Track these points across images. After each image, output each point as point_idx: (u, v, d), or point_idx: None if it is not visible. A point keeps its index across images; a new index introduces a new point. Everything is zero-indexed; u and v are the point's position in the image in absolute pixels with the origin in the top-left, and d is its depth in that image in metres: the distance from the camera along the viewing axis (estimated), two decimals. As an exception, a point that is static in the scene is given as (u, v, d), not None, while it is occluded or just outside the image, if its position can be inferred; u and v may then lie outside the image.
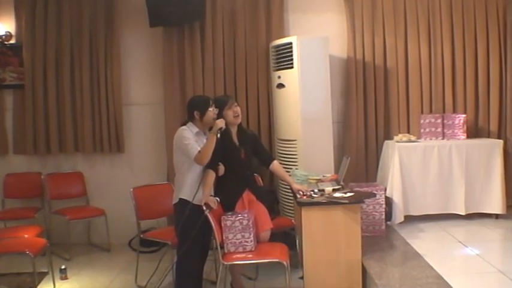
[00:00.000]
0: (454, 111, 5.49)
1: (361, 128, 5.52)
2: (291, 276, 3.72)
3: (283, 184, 5.05)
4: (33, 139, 5.65)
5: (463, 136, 5.22)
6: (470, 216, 5.07)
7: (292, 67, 4.94)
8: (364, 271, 3.82)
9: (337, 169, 4.87)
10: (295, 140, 4.99)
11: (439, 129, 5.31)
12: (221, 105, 3.97)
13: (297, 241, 4.35)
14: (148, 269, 4.46)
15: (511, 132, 5.41)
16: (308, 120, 4.93)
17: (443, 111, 5.49)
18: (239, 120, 4.06)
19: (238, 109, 4.03)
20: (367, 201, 4.37)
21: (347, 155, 4.72)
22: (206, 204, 3.71)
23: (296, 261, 4.27)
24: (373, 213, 4.62)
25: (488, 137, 5.44)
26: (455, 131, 5.24)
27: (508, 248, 4.51)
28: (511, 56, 5.40)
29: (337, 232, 3.75)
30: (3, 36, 5.63)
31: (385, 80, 5.52)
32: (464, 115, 5.28)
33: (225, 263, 3.73)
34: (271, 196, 5.12)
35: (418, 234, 4.75)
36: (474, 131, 5.46)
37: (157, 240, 4.51)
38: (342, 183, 4.27)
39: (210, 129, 3.85)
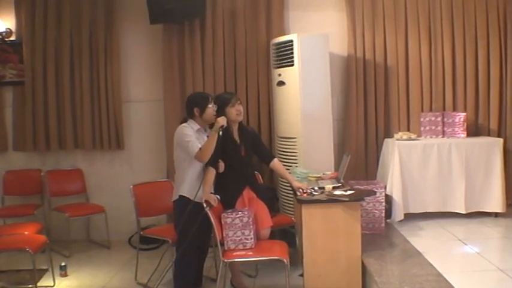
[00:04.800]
0: (454, 109, 5.47)
1: (361, 125, 5.51)
2: (290, 273, 3.73)
3: (283, 182, 5.05)
4: (32, 136, 5.65)
5: (463, 134, 5.22)
6: (469, 215, 5.06)
7: (292, 65, 4.93)
8: (364, 268, 3.82)
9: (337, 167, 4.87)
10: (295, 138, 4.99)
11: (439, 128, 5.31)
12: (224, 103, 3.96)
13: (297, 239, 4.35)
14: (148, 266, 4.46)
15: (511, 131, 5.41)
16: (308, 117, 4.92)
17: (444, 109, 5.47)
18: (241, 118, 4.05)
19: (241, 107, 4.02)
20: (367, 199, 4.37)
21: (347, 152, 4.72)
22: (206, 201, 3.71)
23: (296, 259, 4.26)
24: (373, 211, 4.61)
25: (488, 135, 5.43)
26: (455, 129, 5.24)
27: (507, 246, 4.51)
28: (512, 54, 5.41)
29: (337, 230, 3.76)
30: (3, 33, 5.63)
31: (385, 78, 5.51)
32: (464, 113, 5.28)
33: (225, 260, 3.73)
34: (271, 194, 5.12)
35: (417, 232, 4.75)
36: (474, 129, 5.45)
37: (157, 237, 4.51)
38: (342, 181, 4.28)
39: (211, 126, 3.84)
